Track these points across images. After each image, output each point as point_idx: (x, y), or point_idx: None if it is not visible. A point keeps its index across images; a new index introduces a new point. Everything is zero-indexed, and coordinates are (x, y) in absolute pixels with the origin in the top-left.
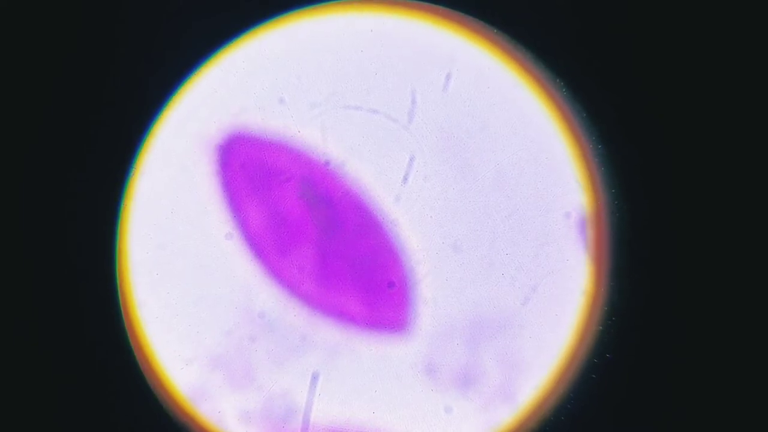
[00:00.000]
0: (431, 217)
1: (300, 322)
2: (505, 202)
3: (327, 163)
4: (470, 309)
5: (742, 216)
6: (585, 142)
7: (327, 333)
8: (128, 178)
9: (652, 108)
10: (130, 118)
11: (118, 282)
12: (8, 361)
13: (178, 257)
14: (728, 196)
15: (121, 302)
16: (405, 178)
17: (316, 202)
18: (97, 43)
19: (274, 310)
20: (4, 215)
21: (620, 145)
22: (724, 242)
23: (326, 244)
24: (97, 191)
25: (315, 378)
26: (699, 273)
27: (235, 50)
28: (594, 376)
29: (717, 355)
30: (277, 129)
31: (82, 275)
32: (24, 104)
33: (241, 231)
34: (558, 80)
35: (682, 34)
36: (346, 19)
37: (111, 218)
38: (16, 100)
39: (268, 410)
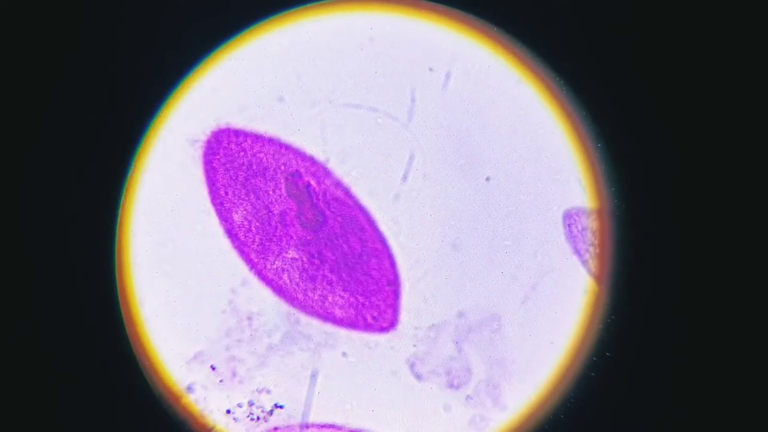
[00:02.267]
0: (431, 215)
1: (299, 321)
2: (504, 200)
3: (326, 161)
4: (469, 307)
5: (744, 215)
6: (586, 141)
7: (326, 330)
8: (127, 177)
9: (654, 106)
10: (129, 117)
11: (117, 280)
12: (8, 360)
13: (177, 255)
14: (730, 195)
15: (120, 300)
16: (404, 177)
17: (308, 200)
18: (97, 43)
19: (272, 309)
20: (5, 215)
21: (621, 142)
22: (725, 242)
23: (320, 241)
24: (97, 190)
25: (314, 376)
26: (700, 272)
27: (235, 49)
28: (594, 374)
29: (717, 354)
30: (277, 127)
31: (82, 273)
32: (24, 104)
33: (237, 229)
34: (558, 78)
35: (684, 32)
36: (346, 18)
37: (111, 217)
38: (16, 100)
39: (265, 406)
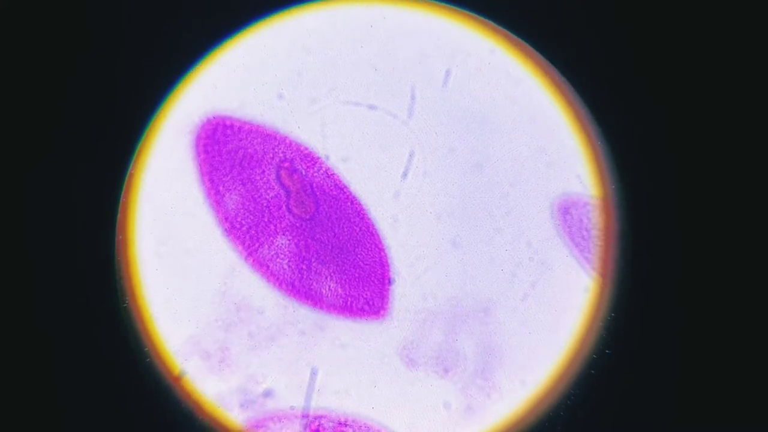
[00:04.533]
0: (431, 212)
1: (289, 308)
2: (505, 198)
3: (325, 159)
4: (469, 305)
5: (745, 213)
6: (588, 136)
7: (316, 317)
8: (127, 174)
9: (656, 99)
10: (130, 114)
11: (120, 279)
12: (10, 360)
13: (168, 242)
14: (731, 194)
15: (123, 298)
16: (404, 174)
17: (299, 188)
18: (97, 40)
19: (262, 296)
20: (8, 214)
21: (624, 137)
22: (726, 242)
23: (310, 229)
24: (97, 188)
25: (314, 373)
26: (700, 271)
27: (235, 45)
28: (593, 371)
29: (717, 353)
30: (275, 122)
31: (85, 271)
32: (25, 101)
33: (227, 216)
34: (560, 75)
35: (685, 24)
36: (346, 15)
37: (111, 215)
38: (17, 98)
39: (256, 393)
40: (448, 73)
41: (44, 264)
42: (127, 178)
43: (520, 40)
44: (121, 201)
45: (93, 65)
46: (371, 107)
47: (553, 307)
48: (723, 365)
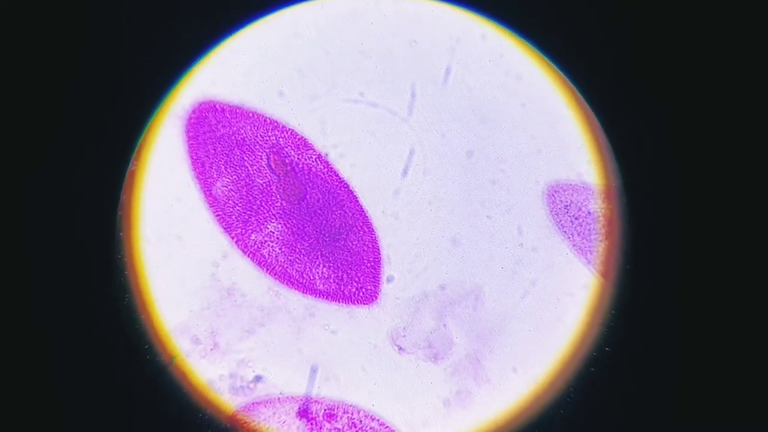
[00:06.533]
0: (431, 210)
1: (280, 294)
2: (505, 195)
3: (325, 156)
4: (459, 291)
5: (746, 213)
6: (589, 132)
7: (307, 303)
8: (127, 172)
9: (657, 102)
10: (130, 113)
11: (121, 275)
12: (10, 360)
13: (159, 227)
14: (732, 194)
15: (124, 294)
16: (404, 172)
17: (290, 173)
18: (97, 39)
19: (253, 282)
20: (8, 214)
21: (624, 140)
22: (726, 242)
23: (301, 214)
24: (98, 186)
25: (314, 371)
26: (701, 271)
27: (235, 43)
28: (593, 369)
29: (717, 353)
30: (275, 116)
31: (88, 268)
32: (25, 101)
33: (218, 201)
34: (561, 73)
35: (684, 24)
36: (346, 12)
37: (113, 213)
38: (17, 98)
39: (246, 379)
40: (448, 70)
41: (45, 263)
42: (127, 176)
43: (522, 39)
44: (121, 198)
45: (93, 65)
46: (372, 105)
47: (553, 305)
48: (723, 365)
